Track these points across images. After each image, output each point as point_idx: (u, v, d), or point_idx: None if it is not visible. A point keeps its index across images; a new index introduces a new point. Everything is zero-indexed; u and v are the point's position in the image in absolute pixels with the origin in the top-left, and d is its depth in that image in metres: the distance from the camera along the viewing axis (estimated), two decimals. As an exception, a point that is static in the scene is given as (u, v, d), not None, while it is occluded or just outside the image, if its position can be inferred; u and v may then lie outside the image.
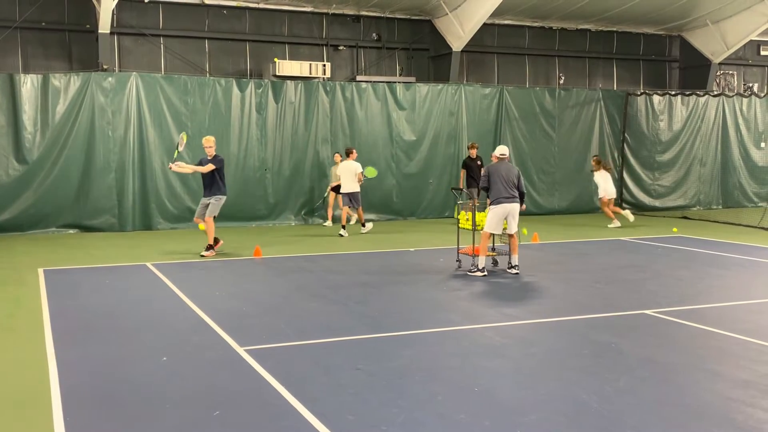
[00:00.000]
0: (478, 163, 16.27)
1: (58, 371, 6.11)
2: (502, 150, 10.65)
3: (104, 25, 15.62)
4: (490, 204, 10.31)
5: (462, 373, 6.07)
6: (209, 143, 12.16)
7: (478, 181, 13.97)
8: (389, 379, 5.87)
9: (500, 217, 10.26)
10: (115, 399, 5.51)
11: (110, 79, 15.43)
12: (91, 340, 7.11)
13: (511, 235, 10.46)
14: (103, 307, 8.53)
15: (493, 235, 10.83)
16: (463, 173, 16.59)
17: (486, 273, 10.30)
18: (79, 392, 5.66)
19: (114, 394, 5.60)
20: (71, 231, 15.25)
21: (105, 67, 15.87)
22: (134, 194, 15.61)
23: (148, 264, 11.33)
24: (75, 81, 15.20)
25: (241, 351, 6.64)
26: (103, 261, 11.74)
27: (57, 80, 15.11)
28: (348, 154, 15.06)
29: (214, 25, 18.07)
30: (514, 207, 10.29)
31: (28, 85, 14.91)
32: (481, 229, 10.51)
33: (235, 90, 16.38)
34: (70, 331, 7.48)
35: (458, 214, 11.58)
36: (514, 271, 10.44)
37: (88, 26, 16.83)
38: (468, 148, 16.69)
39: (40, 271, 10.79)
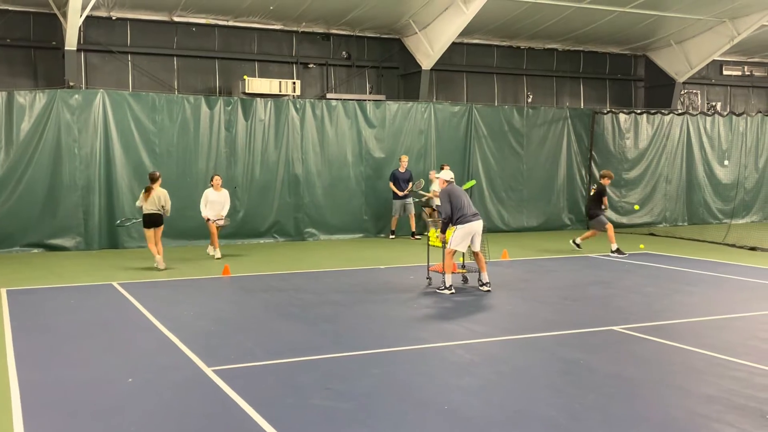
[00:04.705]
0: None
1: (20, 394, 5.98)
2: (451, 174, 10.94)
3: (71, 41, 15.48)
4: (457, 223, 10.33)
5: (431, 392, 6.06)
6: None
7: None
8: (359, 399, 5.84)
9: (467, 235, 10.31)
10: (79, 422, 5.40)
11: (77, 96, 15.27)
12: (55, 362, 6.98)
13: (476, 253, 10.52)
14: (68, 327, 8.39)
15: (464, 253, 10.91)
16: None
17: (454, 291, 10.32)
18: (42, 415, 5.54)
19: (78, 417, 5.50)
20: (36, 250, 14.99)
21: (71, 84, 15.71)
22: (101, 212, 15.40)
23: (115, 283, 11.18)
24: (41, 98, 15.02)
25: (208, 371, 6.56)
26: (69, 280, 11.55)
27: (22, 97, 14.91)
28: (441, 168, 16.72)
29: (183, 42, 18.00)
30: (480, 225, 10.41)
31: (-7, 102, 14.70)
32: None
33: (204, 107, 16.30)
34: (33, 352, 7.34)
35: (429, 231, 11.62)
36: (485, 288, 10.47)
37: (54, 43, 16.66)
38: (601, 177, 15.33)
39: (3, 291, 10.57)
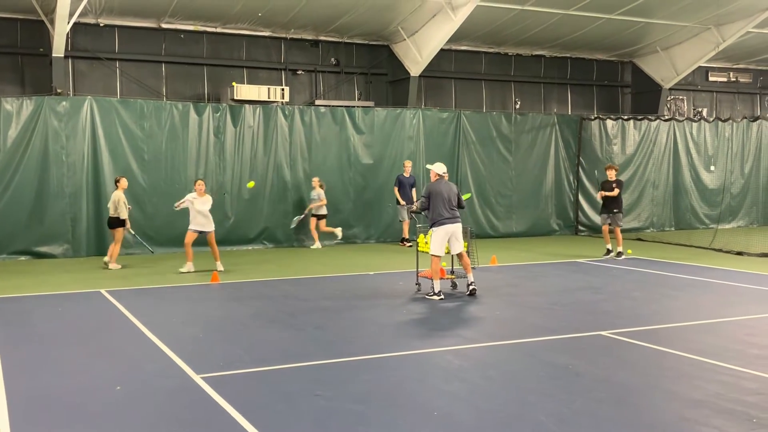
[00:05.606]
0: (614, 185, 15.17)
1: (7, 402, 5.94)
2: (444, 168, 10.71)
3: (58, 48, 15.43)
4: (432, 225, 10.34)
5: (421, 397, 6.07)
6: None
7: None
8: (349, 405, 5.84)
9: (443, 238, 10.30)
10: (67, 430, 5.37)
11: (64, 103, 15.22)
12: (43, 370, 6.93)
13: (459, 255, 10.51)
14: (56, 335, 8.35)
15: (452, 258, 10.92)
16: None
17: (443, 296, 10.33)
18: (30, 424, 5.50)
19: (65, 425, 5.47)
20: (23, 258, 14.90)
21: (59, 91, 15.65)
22: (88, 219, 15.35)
23: (103, 291, 11.12)
24: (28, 105, 14.96)
25: (197, 379, 6.54)
26: (56, 288, 11.49)
27: (9, 104, 14.85)
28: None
29: (171, 49, 17.97)
30: (457, 227, 10.34)
31: (-21, 109, 14.62)
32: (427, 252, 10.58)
33: (193, 114, 16.27)
34: (21, 360, 7.29)
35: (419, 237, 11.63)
36: (470, 288, 10.46)
37: (41, 50, 16.59)
38: (605, 170, 15.50)
39: (-10, 299, 10.52)
